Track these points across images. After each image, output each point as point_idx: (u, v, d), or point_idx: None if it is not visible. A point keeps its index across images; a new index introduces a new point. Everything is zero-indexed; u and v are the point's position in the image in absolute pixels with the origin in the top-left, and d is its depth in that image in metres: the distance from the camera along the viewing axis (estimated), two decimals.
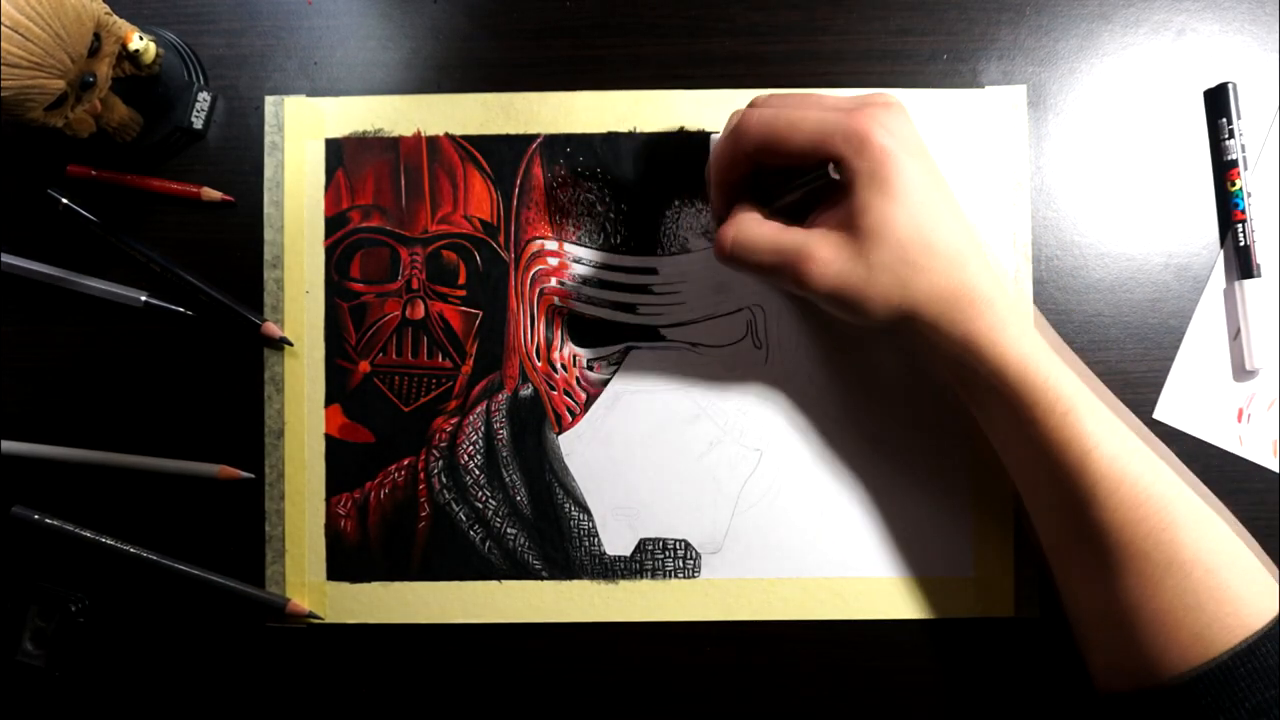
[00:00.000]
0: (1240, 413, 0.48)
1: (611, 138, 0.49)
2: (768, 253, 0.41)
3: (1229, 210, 0.48)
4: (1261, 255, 0.48)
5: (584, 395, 0.49)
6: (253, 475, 0.49)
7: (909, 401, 0.49)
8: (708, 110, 0.49)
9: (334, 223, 0.49)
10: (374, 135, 0.49)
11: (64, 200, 0.48)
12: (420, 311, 0.49)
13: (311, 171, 0.49)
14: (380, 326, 0.49)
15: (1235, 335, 0.48)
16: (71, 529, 0.48)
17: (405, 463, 0.49)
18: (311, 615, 0.48)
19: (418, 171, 0.49)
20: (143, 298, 0.49)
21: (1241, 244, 0.48)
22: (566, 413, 0.49)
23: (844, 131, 0.39)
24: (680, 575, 0.49)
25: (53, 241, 0.49)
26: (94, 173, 0.49)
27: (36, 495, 0.48)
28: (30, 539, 0.48)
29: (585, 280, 0.49)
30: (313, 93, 0.49)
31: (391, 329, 0.49)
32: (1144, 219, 0.49)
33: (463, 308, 0.49)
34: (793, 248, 0.41)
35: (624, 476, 0.49)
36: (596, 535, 0.49)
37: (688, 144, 0.49)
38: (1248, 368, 0.48)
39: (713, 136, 0.49)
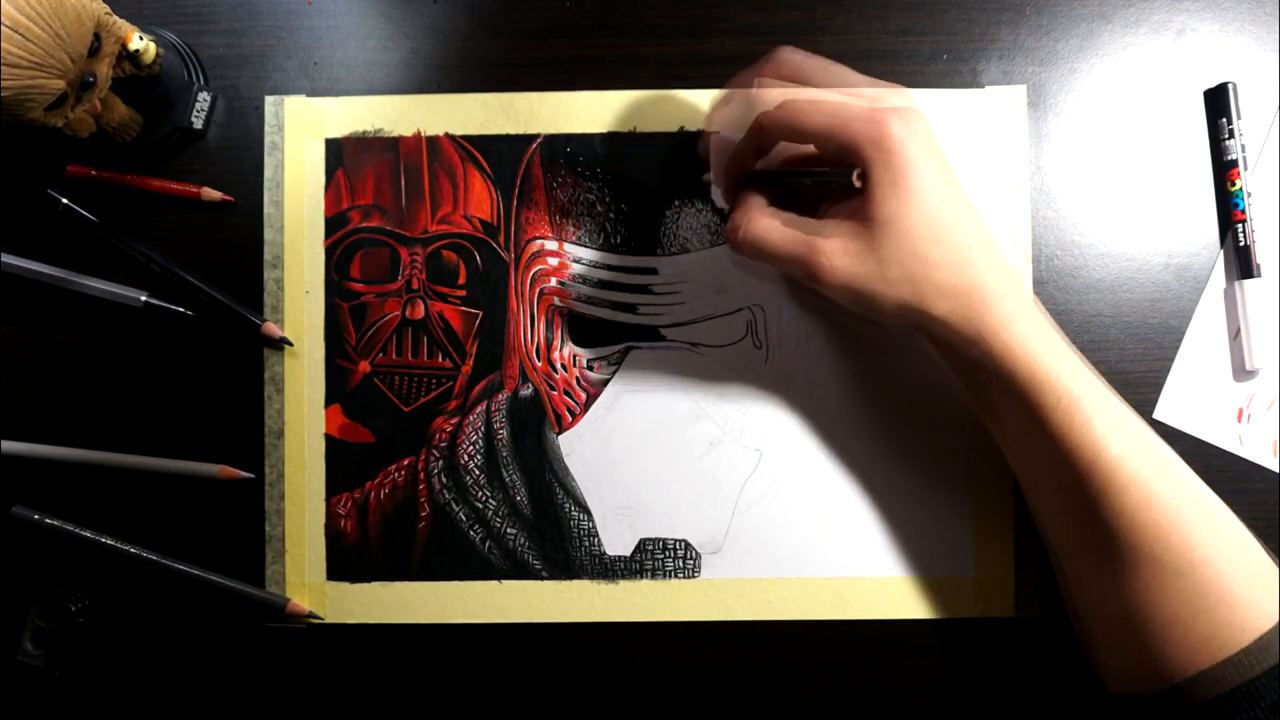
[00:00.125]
0: (1240, 413, 0.48)
1: (611, 138, 0.49)
2: (780, 243, 0.41)
3: (1229, 210, 0.48)
4: (1261, 255, 0.48)
5: (584, 395, 0.49)
6: (253, 475, 0.49)
7: (909, 401, 0.49)
8: (707, 110, 0.49)
9: (334, 223, 0.49)
10: (374, 135, 0.49)
11: (64, 200, 0.48)
12: (420, 311, 0.49)
13: (311, 171, 0.49)
14: (380, 326, 0.49)
15: (1235, 335, 0.48)
16: (71, 529, 0.48)
17: (405, 463, 0.49)
18: (311, 615, 0.48)
19: (418, 171, 0.49)
20: (143, 298, 0.49)
21: (1241, 244, 0.48)
22: (566, 413, 0.49)
23: (866, 126, 0.39)
24: (680, 575, 0.49)
25: (53, 241, 0.49)
26: (94, 173, 0.49)
27: (36, 495, 0.48)
28: (30, 539, 0.48)
29: (585, 280, 0.49)
30: (313, 93, 0.49)
31: (391, 329, 0.49)
32: (1144, 219, 0.49)
33: (463, 308, 0.49)
34: (804, 239, 0.41)
35: (624, 477, 0.49)
36: (596, 535, 0.49)
37: (688, 144, 0.49)
38: (1248, 368, 0.48)
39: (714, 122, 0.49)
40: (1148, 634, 0.38)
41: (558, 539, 0.49)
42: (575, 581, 0.49)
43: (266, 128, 0.49)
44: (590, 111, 0.49)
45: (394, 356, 0.49)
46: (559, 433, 0.49)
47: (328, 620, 0.49)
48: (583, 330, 0.49)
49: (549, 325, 0.49)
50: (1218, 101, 0.49)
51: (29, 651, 0.48)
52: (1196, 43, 0.49)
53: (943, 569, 0.48)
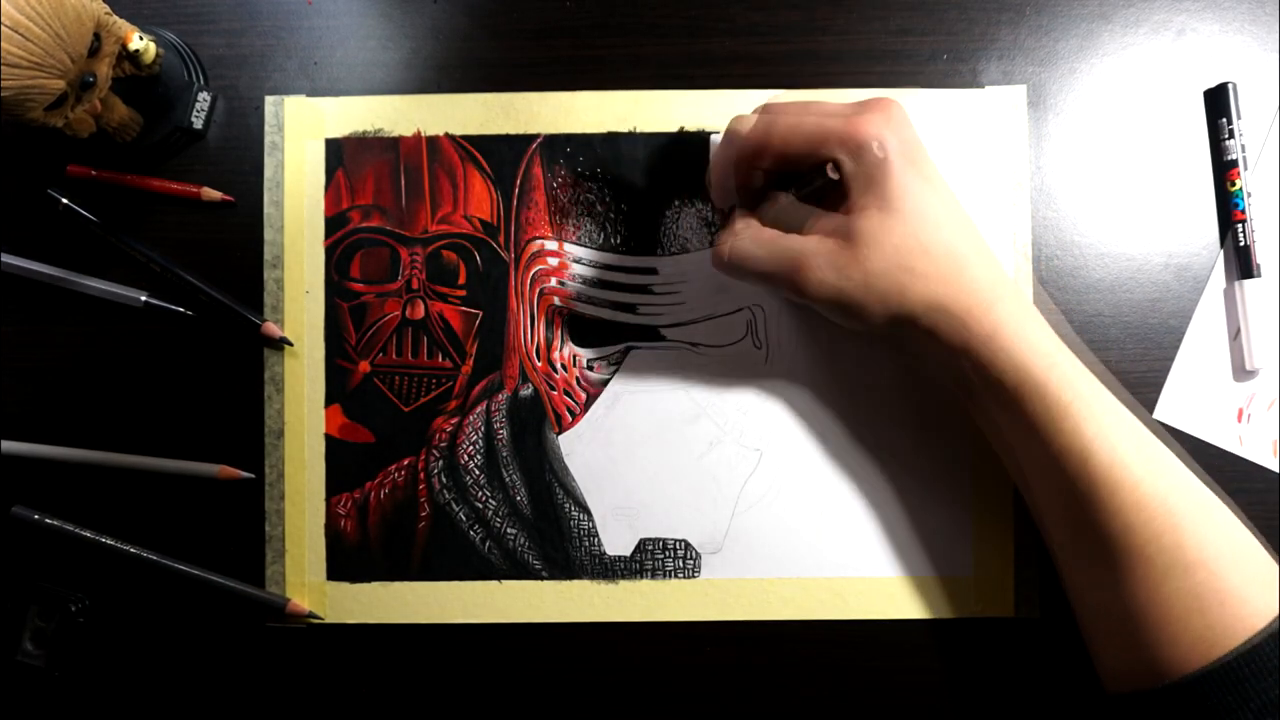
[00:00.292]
0: (1240, 413, 0.48)
1: (611, 138, 0.49)
2: (765, 261, 0.42)
3: (1229, 210, 0.48)
4: (1261, 255, 0.48)
5: (584, 395, 0.49)
6: (253, 475, 0.49)
7: (909, 401, 0.49)
8: (708, 110, 0.49)
9: (334, 223, 0.49)
10: (374, 135, 0.49)
11: (64, 200, 0.48)
12: (420, 311, 0.49)
13: (311, 171, 0.49)
14: (380, 326, 0.49)
15: (1235, 335, 0.48)
16: (71, 529, 0.48)
17: (405, 463, 0.49)
18: (311, 615, 0.48)
19: (418, 171, 0.49)
20: (143, 298, 0.49)
21: (1241, 244, 0.48)
22: (566, 413, 0.49)
23: (840, 137, 0.39)
24: (680, 575, 0.49)
25: (53, 241, 0.49)
26: (94, 173, 0.49)
27: (36, 495, 0.48)
28: (30, 539, 0.48)
29: (585, 280, 0.49)
30: (313, 93, 0.49)
31: (391, 329, 0.49)
32: (1144, 219, 0.49)
33: (463, 308, 0.49)
34: (789, 256, 0.41)
35: (624, 476, 0.49)
36: (596, 535, 0.49)
37: (688, 144, 0.49)
38: (1248, 368, 0.48)
39: (713, 138, 0.49)
40: (1143, 633, 0.38)
41: (558, 539, 0.49)
42: (575, 581, 0.49)
43: (266, 128, 0.49)
44: (590, 111, 0.49)
45: (394, 356, 0.49)
46: (559, 433, 0.49)
47: (328, 620, 0.49)
48: (583, 330, 0.49)
49: (549, 325, 0.49)
50: (1218, 101, 0.49)
51: (29, 651, 0.48)
52: (1196, 43, 0.49)
53: (943, 569, 0.48)
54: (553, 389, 0.49)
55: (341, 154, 0.49)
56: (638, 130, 0.49)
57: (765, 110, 0.43)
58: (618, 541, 0.49)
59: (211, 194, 0.49)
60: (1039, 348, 0.39)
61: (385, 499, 0.49)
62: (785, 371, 0.49)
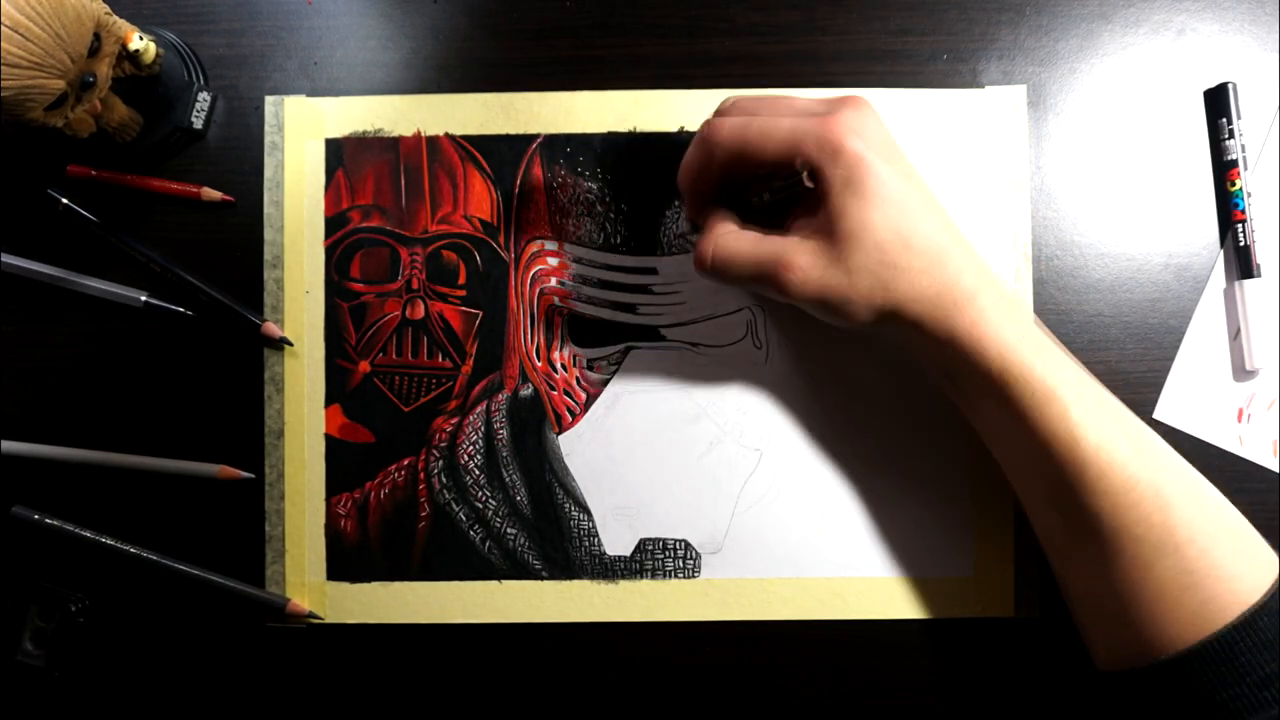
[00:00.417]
0: (1240, 413, 0.48)
1: (611, 138, 0.49)
2: (748, 263, 0.42)
3: (1229, 210, 0.48)
4: (1261, 255, 0.48)
5: (584, 395, 0.49)
6: (253, 475, 0.49)
7: (909, 401, 0.49)
8: (708, 110, 0.49)
9: (334, 223, 0.49)
10: (374, 135, 0.49)
11: (64, 200, 0.48)
12: (420, 311, 0.49)
13: (311, 171, 0.49)
14: (380, 326, 0.49)
15: (1235, 335, 0.48)
16: (71, 529, 0.48)
17: (405, 463, 0.49)
18: (311, 615, 0.48)
19: (418, 171, 0.49)
20: (143, 298, 0.49)
21: (1241, 244, 0.48)
22: (566, 413, 0.49)
23: (816, 139, 0.39)
24: (680, 575, 0.49)
25: (53, 241, 0.49)
26: (94, 173, 0.49)
27: (36, 495, 0.48)
28: (30, 539, 0.48)
29: (585, 280, 0.49)
30: (313, 93, 0.49)
31: (391, 329, 0.49)
32: (1144, 219, 0.49)
33: (463, 308, 0.49)
34: (772, 257, 0.41)
35: (624, 476, 0.49)
36: (596, 535, 0.49)
37: (687, 144, 0.49)
38: (1248, 368, 0.48)
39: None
40: (1135, 612, 0.39)
41: (558, 539, 0.49)
42: (575, 581, 0.49)
43: (266, 128, 0.49)
44: (590, 111, 0.49)
45: (394, 356, 0.49)
46: (559, 433, 0.49)
47: (328, 620, 0.49)
48: (583, 330, 0.49)
49: (549, 325, 0.49)
50: (1218, 101, 0.49)
51: (29, 651, 0.48)
52: (1196, 43, 0.49)
53: (943, 569, 0.48)
54: (553, 389, 0.49)
55: (341, 154, 0.49)
56: (638, 130, 0.49)
57: (732, 109, 0.43)
58: (618, 541, 0.49)
59: (211, 194, 0.49)
60: (1023, 336, 0.40)
61: (385, 499, 0.49)
62: (785, 371, 0.49)
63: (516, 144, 0.49)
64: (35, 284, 0.49)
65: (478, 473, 0.49)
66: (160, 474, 0.48)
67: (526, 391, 0.49)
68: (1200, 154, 0.49)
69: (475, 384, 0.49)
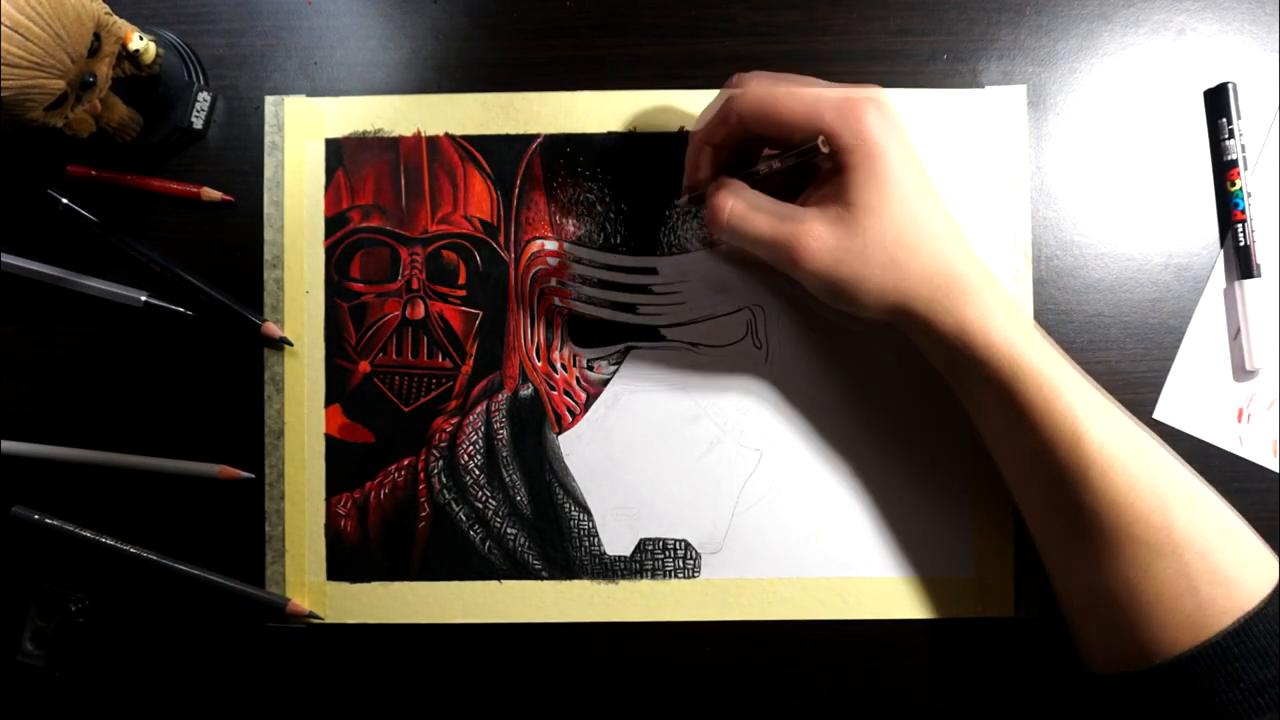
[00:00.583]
0: (1240, 413, 0.48)
1: (611, 138, 0.49)
2: (765, 225, 0.41)
3: (1229, 210, 0.48)
4: (1261, 255, 0.48)
5: (584, 395, 0.49)
6: (253, 475, 0.49)
7: (909, 401, 0.49)
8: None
9: (334, 223, 0.49)
10: (374, 135, 0.49)
11: (64, 200, 0.48)
12: (420, 311, 0.49)
13: (311, 171, 0.49)
14: (380, 326, 0.49)
15: (1235, 335, 0.48)
16: (71, 529, 0.48)
17: (405, 463, 0.49)
18: (311, 615, 0.48)
19: (418, 171, 0.49)
20: (143, 298, 0.49)
21: (1241, 244, 0.48)
22: (566, 413, 0.49)
23: (840, 112, 0.39)
24: (680, 575, 0.49)
25: (53, 241, 0.49)
26: (94, 173, 0.49)
27: (36, 495, 0.48)
28: (30, 539, 0.48)
29: (585, 280, 0.49)
30: (313, 93, 0.49)
31: (391, 329, 0.49)
32: (1144, 219, 0.49)
33: (463, 308, 0.49)
34: (789, 221, 0.41)
35: (624, 476, 0.49)
36: (596, 535, 0.49)
37: (688, 144, 0.49)
38: (1248, 368, 0.48)
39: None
40: (1132, 614, 0.39)
41: (558, 539, 0.49)
42: (575, 581, 0.49)
43: (266, 128, 0.49)
44: (590, 111, 0.49)
45: (394, 356, 0.49)
46: (559, 433, 0.49)
47: (328, 620, 0.49)
48: (583, 330, 0.49)
49: (549, 325, 0.49)
50: (1218, 101, 0.49)
51: (29, 651, 0.48)
52: (1196, 43, 0.49)
53: (943, 569, 0.48)
54: (553, 389, 0.49)
55: (341, 154, 0.49)
56: (638, 130, 0.49)
57: (751, 78, 0.42)
58: (618, 541, 0.49)
59: (211, 194, 0.49)
60: (1027, 333, 0.40)
61: (385, 499, 0.49)
62: (785, 371, 0.49)
63: (516, 144, 0.49)
64: (35, 284, 0.49)
65: (478, 473, 0.49)
66: (160, 474, 0.48)
67: (526, 391, 0.49)
68: (1200, 154, 0.49)
69: (475, 384, 0.49)
